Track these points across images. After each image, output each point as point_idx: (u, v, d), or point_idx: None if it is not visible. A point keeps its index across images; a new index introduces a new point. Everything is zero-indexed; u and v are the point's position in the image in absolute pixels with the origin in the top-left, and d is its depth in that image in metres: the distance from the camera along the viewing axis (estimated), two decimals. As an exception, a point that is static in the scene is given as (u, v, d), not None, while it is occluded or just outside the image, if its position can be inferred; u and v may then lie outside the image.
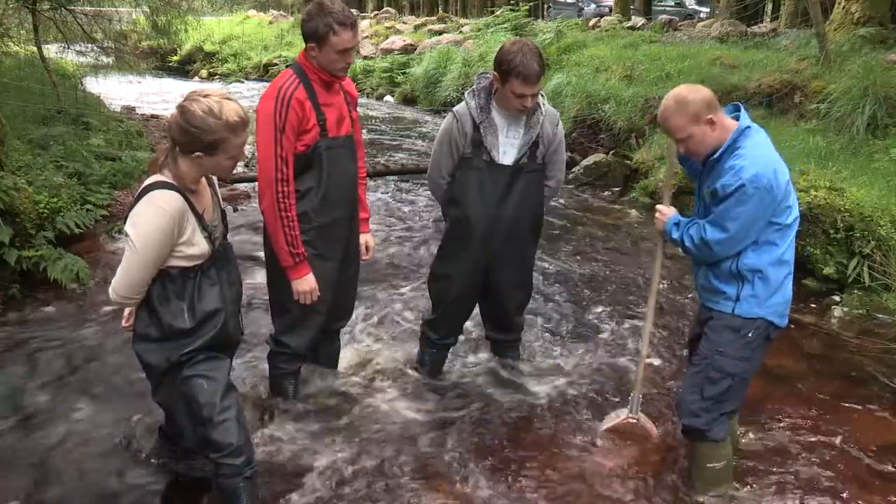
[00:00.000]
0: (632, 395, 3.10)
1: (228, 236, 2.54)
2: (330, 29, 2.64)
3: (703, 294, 2.66)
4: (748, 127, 2.44)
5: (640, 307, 4.44)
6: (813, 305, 4.60)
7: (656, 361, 3.82)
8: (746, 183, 2.31)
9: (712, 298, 2.59)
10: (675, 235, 2.59)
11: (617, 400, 3.39)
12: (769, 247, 2.46)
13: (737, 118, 2.49)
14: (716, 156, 2.45)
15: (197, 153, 2.18)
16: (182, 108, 2.17)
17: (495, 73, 2.91)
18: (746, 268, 2.47)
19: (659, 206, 2.71)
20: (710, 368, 2.58)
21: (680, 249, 2.69)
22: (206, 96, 2.17)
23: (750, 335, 2.52)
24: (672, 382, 3.59)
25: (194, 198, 2.29)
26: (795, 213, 2.51)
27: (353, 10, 2.83)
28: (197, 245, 2.28)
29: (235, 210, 2.79)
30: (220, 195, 2.51)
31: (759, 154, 2.38)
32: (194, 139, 2.15)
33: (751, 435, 3.16)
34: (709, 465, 2.70)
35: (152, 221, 2.16)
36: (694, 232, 2.52)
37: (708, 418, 2.61)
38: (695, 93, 2.42)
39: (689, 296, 4.60)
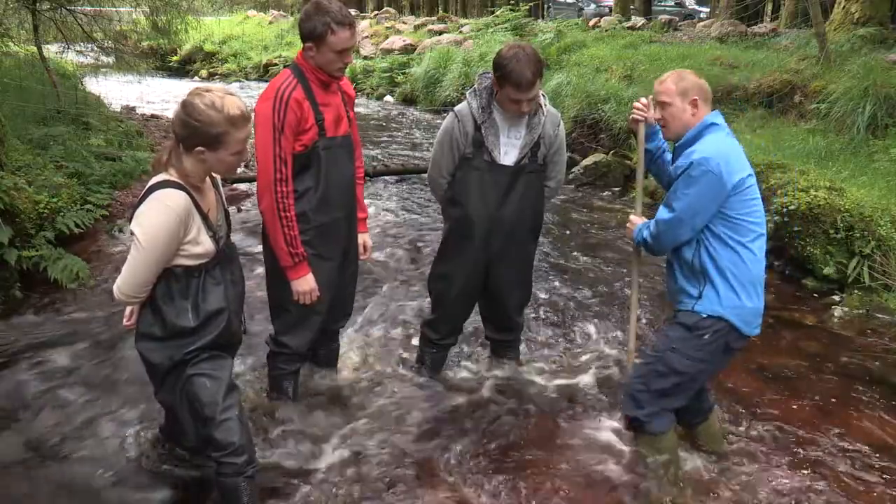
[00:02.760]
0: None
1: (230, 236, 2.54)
2: (328, 28, 2.64)
3: (672, 298, 2.72)
4: (715, 124, 2.56)
5: (640, 307, 4.44)
6: (813, 305, 4.60)
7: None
8: (694, 163, 2.44)
9: (678, 299, 2.65)
10: (639, 238, 2.72)
11: (616, 398, 3.39)
12: (727, 244, 2.50)
13: None
14: (680, 142, 2.59)
15: (199, 147, 2.18)
16: (184, 103, 2.19)
17: (494, 77, 2.92)
18: (707, 262, 2.52)
19: (631, 217, 2.84)
20: (659, 363, 2.64)
21: (646, 251, 2.77)
22: (208, 91, 2.20)
23: (706, 337, 2.55)
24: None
25: (199, 197, 2.29)
26: (760, 220, 2.54)
27: (353, 10, 2.85)
28: (202, 244, 2.28)
29: (239, 210, 2.80)
30: (223, 196, 2.52)
31: (714, 144, 2.50)
32: (196, 132, 2.16)
33: (750, 434, 3.16)
34: (648, 459, 2.73)
35: (158, 220, 2.16)
36: (650, 223, 2.65)
37: (649, 410, 2.67)
38: (694, 76, 2.62)
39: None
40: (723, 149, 2.48)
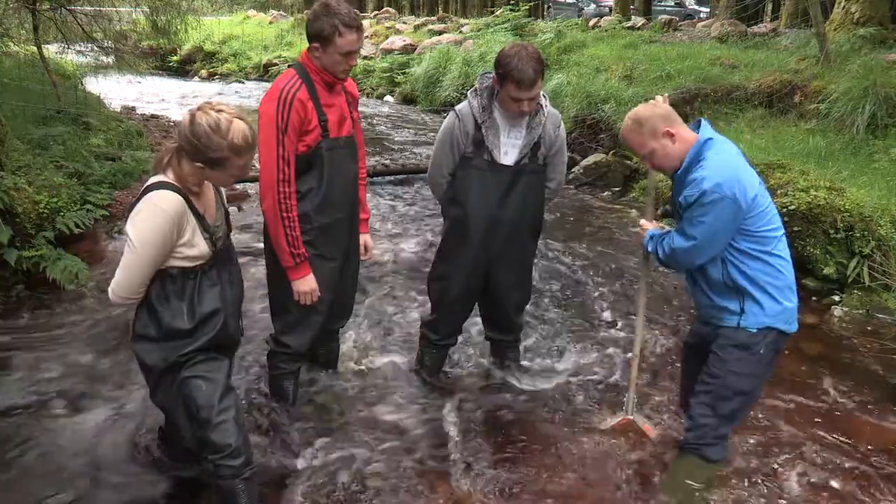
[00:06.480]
0: (626, 395, 3.11)
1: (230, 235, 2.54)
2: (335, 30, 2.63)
3: (707, 313, 2.64)
4: (710, 139, 2.46)
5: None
6: (813, 305, 4.60)
7: (650, 361, 3.82)
8: (706, 192, 2.34)
9: (717, 315, 2.58)
10: (651, 248, 2.68)
11: (616, 400, 3.39)
12: (755, 257, 2.45)
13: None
14: (680, 171, 2.49)
15: (199, 164, 2.18)
16: (192, 118, 2.16)
17: (495, 76, 2.91)
18: (739, 277, 2.47)
19: (641, 221, 2.81)
20: (722, 388, 2.56)
21: (658, 263, 2.75)
22: (218, 111, 2.16)
23: (762, 351, 2.51)
24: (666, 381, 3.58)
25: (196, 198, 2.29)
26: (777, 224, 2.50)
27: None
28: (197, 246, 2.28)
29: (240, 209, 2.80)
30: (223, 195, 2.52)
31: (721, 164, 2.39)
32: (197, 150, 2.16)
33: (750, 434, 3.16)
34: (687, 480, 2.68)
35: (151, 222, 2.16)
36: (665, 243, 2.58)
37: (714, 433, 2.60)
38: (651, 109, 2.51)
39: (684, 296, 4.59)
40: (730, 169, 2.38)
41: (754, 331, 2.49)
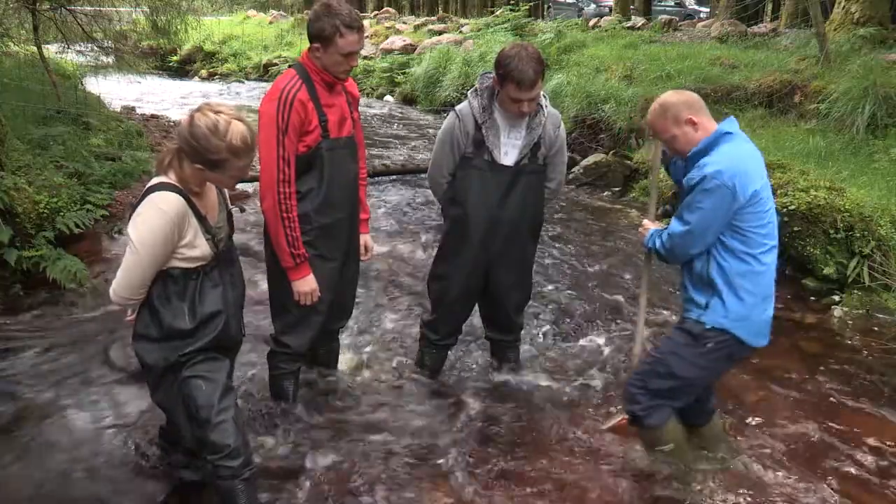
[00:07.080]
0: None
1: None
2: (336, 31, 2.63)
3: (684, 307, 2.70)
4: (729, 133, 2.49)
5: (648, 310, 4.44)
6: (813, 305, 4.60)
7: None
8: (707, 177, 2.40)
9: (687, 308, 2.64)
10: (650, 244, 2.72)
11: (617, 399, 3.39)
12: (737, 256, 2.47)
13: None
14: (693, 152, 2.53)
15: (198, 166, 2.19)
16: (192, 119, 2.16)
17: (495, 77, 2.92)
18: (716, 273, 2.50)
19: (643, 221, 2.84)
20: (659, 364, 2.65)
21: (657, 259, 2.77)
22: (217, 112, 2.15)
23: (709, 346, 2.54)
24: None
25: (198, 199, 2.29)
26: (770, 232, 2.51)
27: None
28: (198, 248, 2.28)
29: (242, 210, 2.80)
30: (226, 196, 2.51)
31: (729, 155, 2.44)
32: (196, 152, 2.16)
33: (750, 434, 3.16)
34: (656, 448, 2.75)
35: (152, 223, 2.16)
36: (664, 234, 2.63)
37: (645, 405, 2.69)
38: (677, 96, 2.56)
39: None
40: (736, 160, 2.42)
41: (708, 327, 2.53)
